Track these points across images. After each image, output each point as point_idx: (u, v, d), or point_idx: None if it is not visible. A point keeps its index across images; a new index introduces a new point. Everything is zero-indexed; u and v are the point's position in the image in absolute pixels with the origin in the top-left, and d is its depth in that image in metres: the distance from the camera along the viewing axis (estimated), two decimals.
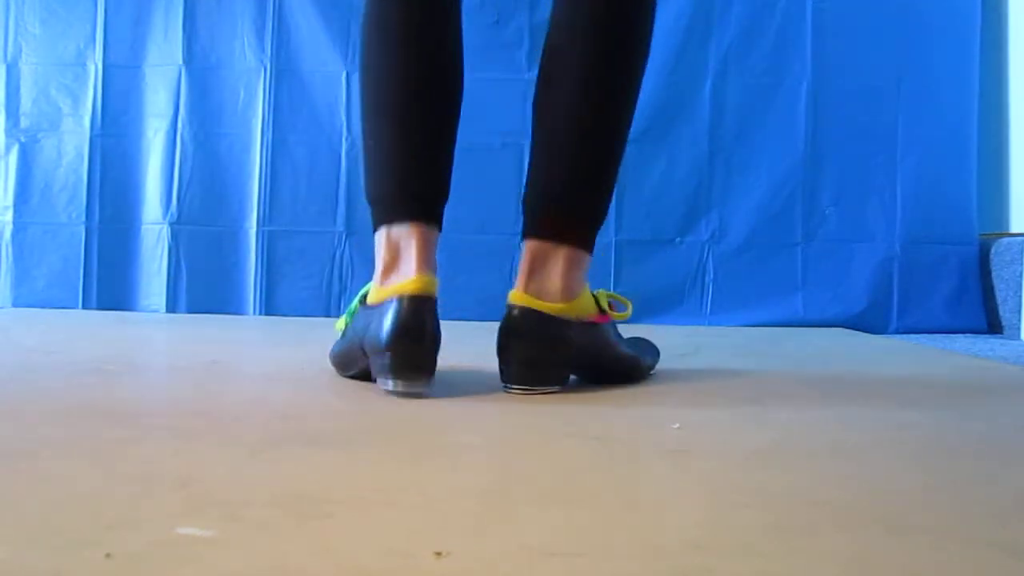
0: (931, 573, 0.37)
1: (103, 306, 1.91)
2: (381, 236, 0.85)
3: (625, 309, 0.91)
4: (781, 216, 1.87)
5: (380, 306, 0.80)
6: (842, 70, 1.87)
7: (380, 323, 0.78)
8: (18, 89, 1.95)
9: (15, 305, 1.91)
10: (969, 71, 1.87)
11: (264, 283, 1.91)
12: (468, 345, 1.29)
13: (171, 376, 1.01)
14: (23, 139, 1.94)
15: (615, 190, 0.91)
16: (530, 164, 0.90)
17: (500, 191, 1.91)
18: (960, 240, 1.86)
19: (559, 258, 0.84)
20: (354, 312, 0.89)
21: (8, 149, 1.94)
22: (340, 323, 0.94)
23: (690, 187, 1.87)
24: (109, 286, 1.92)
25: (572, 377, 0.88)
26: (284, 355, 1.18)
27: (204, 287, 1.91)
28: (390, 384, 0.78)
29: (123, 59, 1.94)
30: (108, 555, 0.36)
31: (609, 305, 0.89)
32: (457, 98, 0.91)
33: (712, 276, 1.87)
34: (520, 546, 0.38)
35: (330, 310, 1.90)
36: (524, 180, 0.90)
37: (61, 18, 1.95)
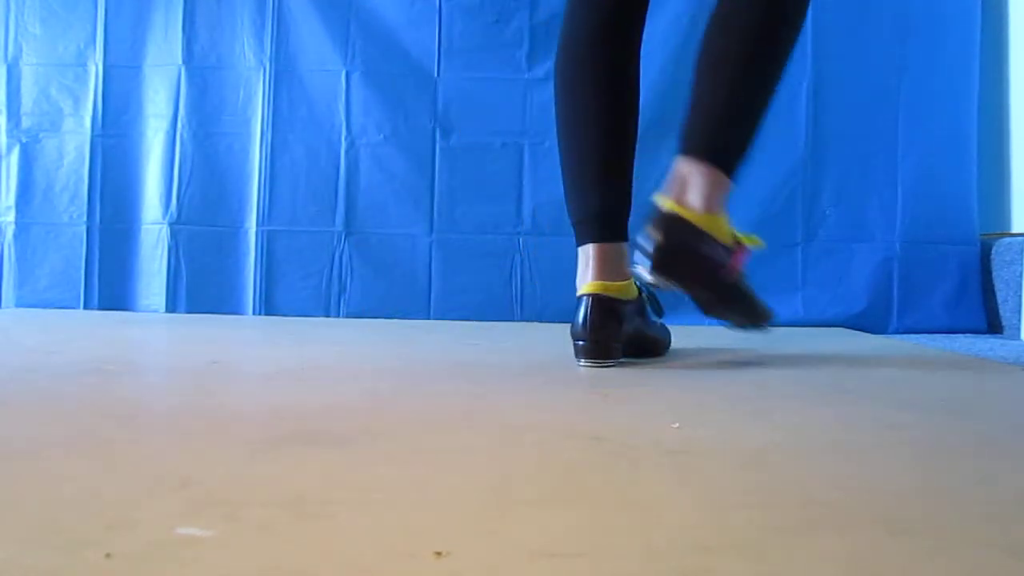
0: (931, 574, 0.37)
1: (104, 306, 1.91)
2: (580, 250, 1.07)
3: (757, 244, 1.07)
4: (781, 216, 1.87)
5: (576, 302, 1.03)
6: (842, 70, 1.87)
7: (575, 316, 1.02)
8: (19, 89, 1.95)
9: (17, 305, 1.91)
10: (969, 70, 1.87)
11: (263, 283, 1.91)
12: (469, 345, 1.29)
13: (171, 376, 1.01)
14: (24, 139, 1.94)
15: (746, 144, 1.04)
16: (692, 96, 1.03)
17: (500, 191, 1.91)
18: (961, 240, 1.86)
19: (706, 176, 0.98)
20: None
21: (9, 149, 1.94)
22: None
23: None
24: (110, 286, 1.92)
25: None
26: (284, 355, 1.18)
27: (204, 287, 1.92)
28: (581, 363, 1.02)
29: (123, 59, 1.94)
30: (108, 555, 0.36)
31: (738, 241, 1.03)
32: (636, 127, 1.10)
33: None
34: (520, 546, 0.38)
35: (329, 310, 1.90)
36: (686, 109, 1.03)
37: (61, 18, 1.95)
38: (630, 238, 1.04)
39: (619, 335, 1.02)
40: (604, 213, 1.06)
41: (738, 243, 1.02)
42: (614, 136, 1.06)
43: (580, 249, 1.06)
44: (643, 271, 0.96)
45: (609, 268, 1.03)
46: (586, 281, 1.02)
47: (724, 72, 1.01)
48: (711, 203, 0.98)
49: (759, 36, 1.00)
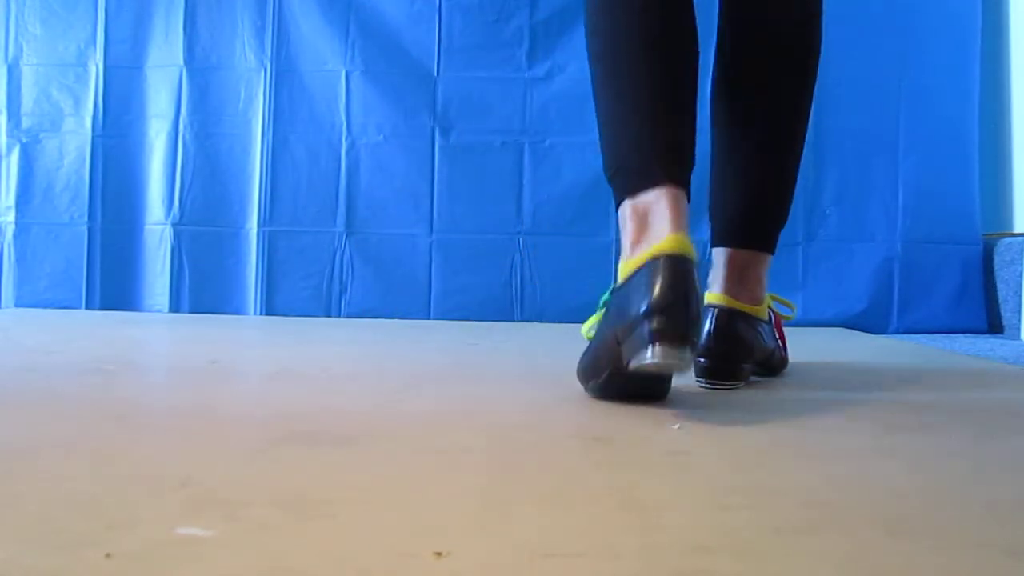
0: (931, 574, 0.37)
1: (106, 307, 1.91)
2: (626, 210, 0.77)
3: (790, 312, 1.00)
4: None
5: (633, 278, 0.71)
6: (843, 69, 1.86)
7: (638, 292, 0.69)
8: (19, 89, 1.95)
9: (17, 305, 1.91)
10: (970, 69, 1.87)
11: (265, 283, 1.91)
12: (469, 345, 1.29)
13: (171, 376, 1.01)
14: (24, 139, 1.94)
15: None
16: (723, 176, 0.94)
17: (500, 191, 1.91)
18: (963, 240, 1.86)
19: (760, 264, 0.92)
20: (603, 307, 0.79)
21: (10, 149, 1.94)
22: (587, 327, 0.84)
23: (692, 186, 1.87)
24: (112, 287, 1.93)
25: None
26: (284, 355, 1.18)
27: (206, 287, 1.92)
28: (648, 354, 0.66)
29: (124, 60, 1.94)
30: (108, 555, 0.36)
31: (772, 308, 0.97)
32: (697, 57, 0.82)
33: None
34: (520, 546, 0.38)
35: (330, 310, 1.90)
36: (711, 189, 0.95)
37: (62, 18, 1.95)
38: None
39: (701, 312, 0.73)
40: (679, 145, 0.79)
41: (773, 312, 0.97)
42: (677, 58, 0.80)
43: (634, 200, 0.76)
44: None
45: (687, 224, 0.76)
46: (665, 233, 0.72)
47: (765, 148, 0.93)
48: (764, 288, 0.92)
49: (791, 85, 0.92)
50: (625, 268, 0.74)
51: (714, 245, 0.94)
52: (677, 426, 0.68)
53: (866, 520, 0.43)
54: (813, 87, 0.95)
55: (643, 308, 0.68)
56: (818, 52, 0.94)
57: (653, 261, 0.70)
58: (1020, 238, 1.77)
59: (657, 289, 0.68)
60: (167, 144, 1.93)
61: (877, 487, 0.51)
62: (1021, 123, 1.87)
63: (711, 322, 0.87)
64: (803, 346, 1.40)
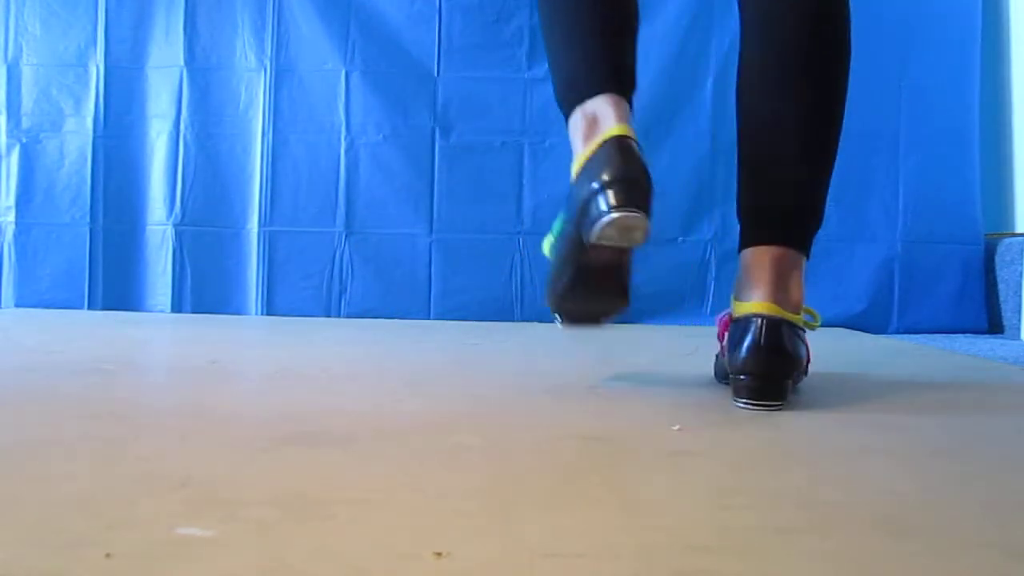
0: (931, 574, 0.37)
1: (108, 307, 1.92)
2: (576, 117, 0.82)
3: (815, 321, 0.88)
4: None
5: (586, 165, 0.77)
6: None
7: (592, 174, 0.75)
8: (19, 89, 1.95)
9: (18, 306, 1.91)
10: (970, 69, 1.87)
11: (265, 283, 1.91)
12: (469, 345, 1.29)
13: (171, 376, 1.01)
14: (25, 140, 1.94)
15: None
16: (753, 172, 0.90)
17: (500, 191, 1.91)
18: (963, 240, 1.86)
19: (800, 267, 0.84)
20: (561, 218, 0.85)
21: (10, 150, 1.94)
22: (547, 244, 0.88)
23: (692, 186, 1.87)
24: (114, 287, 1.93)
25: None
26: (284, 355, 1.18)
27: (208, 288, 1.92)
28: (608, 218, 0.72)
29: (124, 60, 1.94)
30: (108, 555, 0.36)
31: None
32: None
33: (714, 275, 1.87)
34: (520, 546, 0.38)
35: (330, 310, 1.90)
36: (739, 186, 0.89)
37: (62, 19, 1.95)
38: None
39: (651, 181, 0.78)
40: (623, 66, 0.85)
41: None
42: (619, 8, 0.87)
43: (583, 107, 0.81)
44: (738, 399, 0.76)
45: (629, 118, 0.81)
46: (611, 124, 0.78)
47: (801, 141, 0.90)
48: (802, 293, 0.84)
49: (821, 67, 0.90)
50: (578, 163, 0.80)
51: (747, 245, 0.86)
52: (677, 426, 0.68)
53: (866, 520, 0.43)
54: (846, 84, 0.93)
55: (598, 183, 0.74)
56: (843, 53, 0.92)
57: (603, 144, 0.76)
58: (1021, 238, 1.77)
59: (610, 164, 0.74)
60: (168, 144, 1.93)
61: (877, 487, 0.51)
62: (1022, 123, 1.87)
63: (755, 334, 0.77)
64: None
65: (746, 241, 0.86)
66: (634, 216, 0.73)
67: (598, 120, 0.80)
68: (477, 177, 1.91)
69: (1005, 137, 1.90)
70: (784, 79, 0.90)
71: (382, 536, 0.39)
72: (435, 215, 1.90)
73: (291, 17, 1.92)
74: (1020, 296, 1.72)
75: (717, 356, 0.88)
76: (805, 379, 0.97)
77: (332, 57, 1.91)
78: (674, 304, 1.87)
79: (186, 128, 1.93)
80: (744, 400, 0.78)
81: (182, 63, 1.93)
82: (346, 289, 1.91)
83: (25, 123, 1.95)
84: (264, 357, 1.19)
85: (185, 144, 1.93)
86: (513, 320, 1.86)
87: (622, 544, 0.39)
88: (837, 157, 0.93)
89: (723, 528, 0.42)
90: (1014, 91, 1.89)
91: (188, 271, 1.92)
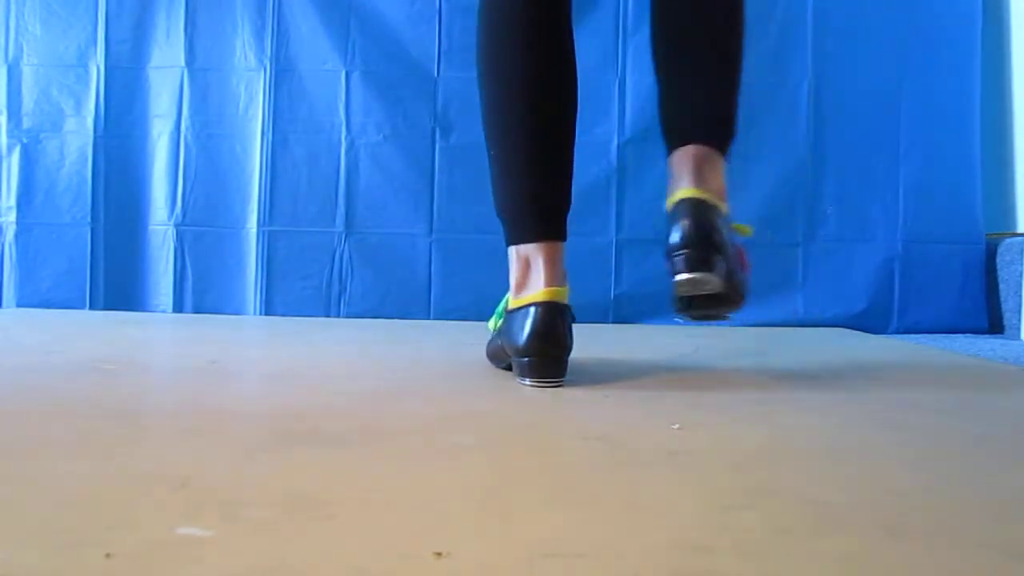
0: (931, 574, 0.37)
1: (110, 307, 1.92)
2: (512, 252, 0.93)
3: (749, 229, 0.95)
4: (781, 216, 1.87)
5: (517, 314, 0.89)
6: (843, 69, 1.87)
7: (520, 328, 0.87)
8: (20, 90, 1.95)
9: (19, 305, 1.91)
10: (971, 68, 1.87)
11: (264, 283, 1.91)
12: (469, 345, 1.29)
13: (171, 376, 1.01)
14: (25, 140, 1.94)
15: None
16: (675, 82, 0.94)
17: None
18: (965, 240, 1.86)
19: (719, 162, 0.90)
20: (501, 313, 0.98)
21: (10, 150, 1.94)
22: (492, 323, 1.04)
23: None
24: (116, 287, 1.93)
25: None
26: (284, 355, 1.18)
27: (208, 288, 1.92)
28: (526, 381, 0.87)
29: (125, 60, 1.94)
30: (108, 555, 0.36)
31: None
32: (576, 102, 0.94)
33: None
34: (520, 546, 0.38)
35: (330, 310, 1.90)
36: (660, 106, 0.94)
37: (62, 19, 1.95)
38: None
39: (568, 348, 0.89)
40: (555, 207, 0.92)
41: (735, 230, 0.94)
42: (556, 122, 0.93)
43: (517, 248, 0.92)
44: (680, 278, 0.82)
45: (561, 272, 0.90)
46: (540, 287, 0.88)
47: (705, 45, 0.94)
48: (724, 187, 0.89)
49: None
50: (513, 303, 0.92)
51: (671, 151, 0.91)
52: (677, 426, 0.68)
53: (866, 520, 0.43)
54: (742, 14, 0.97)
55: (520, 344, 0.87)
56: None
57: (528, 308, 0.88)
58: (1021, 238, 1.77)
59: (529, 332, 0.86)
60: (168, 145, 1.93)
61: (877, 487, 0.51)
62: (1022, 122, 1.87)
63: (684, 212, 0.84)
64: (803, 346, 1.40)
65: (669, 150, 0.92)
66: (548, 381, 0.87)
67: (530, 272, 0.91)
68: (477, 177, 1.90)
69: (1005, 137, 1.90)
70: (692, 8, 0.94)
71: (382, 536, 0.39)
72: (435, 215, 1.90)
73: (291, 17, 1.92)
74: (1020, 296, 1.72)
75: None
76: (805, 379, 0.97)
77: (332, 57, 1.91)
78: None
79: (186, 128, 1.93)
80: (683, 274, 0.82)
81: (182, 63, 1.93)
82: (346, 289, 1.91)
83: (26, 123, 1.95)
84: (264, 357, 1.19)
85: (185, 144, 1.93)
86: None
87: (622, 544, 0.39)
88: (743, 64, 0.98)
89: (723, 528, 0.42)
90: (1014, 91, 1.89)
91: (189, 271, 1.92)
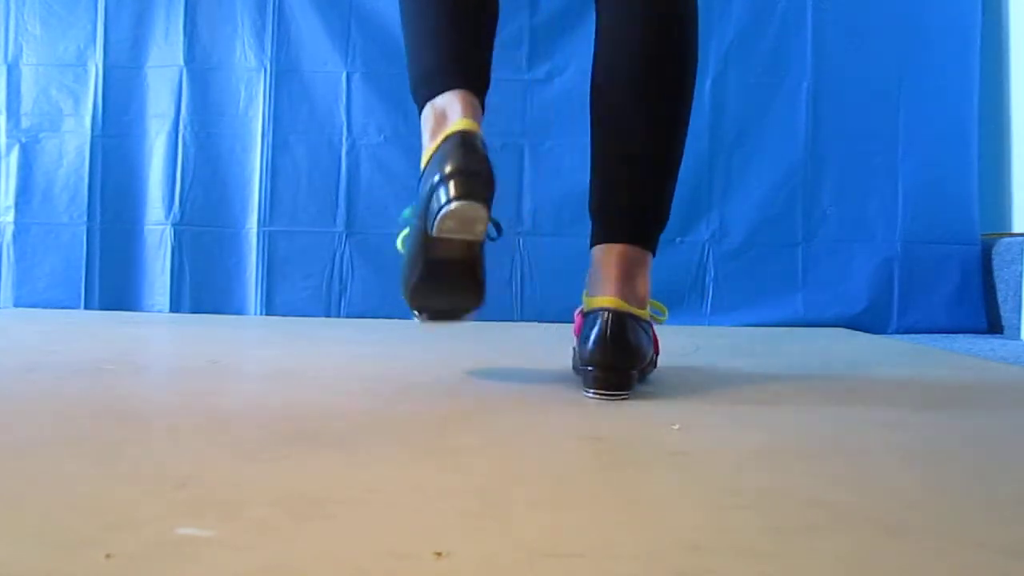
0: (931, 574, 0.37)
1: (105, 307, 1.91)
2: (427, 112, 0.85)
3: (662, 315, 0.93)
4: (781, 216, 1.87)
5: (431, 159, 0.81)
6: (843, 69, 1.87)
7: (436, 167, 0.78)
8: (19, 89, 1.95)
9: (16, 305, 1.91)
10: (970, 70, 1.87)
11: (265, 283, 1.91)
12: (469, 345, 1.29)
13: (171, 376, 1.01)
14: (24, 139, 1.94)
15: None
16: (603, 173, 0.92)
17: (500, 192, 1.90)
18: (962, 240, 1.86)
19: (645, 264, 0.87)
20: (409, 211, 0.88)
21: (9, 149, 1.94)
22: (400, 238, 0.91)
23: (690, 187, 1.87)
24: (112, 287, 1.92)
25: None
26: (284, 355, 1.18)
27: (207, 287, 1.92)
28: (448, 208, 0.76)
29: (124, 60, 1.94)
30: (108, 555, 0.36)
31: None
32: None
33: (712, 276, 1.87)
34: (520, 546, 0.38)
35: (330, 310, 1.90)
36: (591, 186, 0.92)
37: (61, 18, 1.95)
38: None
39: (492, 174, 0.81)
40: (475, 62, 0.88)
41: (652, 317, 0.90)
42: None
43: (433, 102, 0.85)
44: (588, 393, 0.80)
45: (479, 111, 0.85)
46: (457, 118, 0.82)
47: (646, 143, 0.90)
48: (649, 289, 0.87)
49: (665, 75, 0.90)
50: (425, 157, 0.83)
51: (596, 243, 0.89)
52: (677, 426, 0.68)
53: (865, 520, 0.43)
54: (689, 94, 0.93)
55: (440, 175, 0.77)
56: (689, 58, 0.91)
57: (447, 139, 0.79)
58: (1019, 238, 1.77)
59: (452, 157, 0.77)
60: (167, 144, 1.93)
61: (877, 487, 0.51)
62: (1021, 123, 1.87)
63: (601, 327, 0.81)
64: (803, 346, 1.40)
65: (596, 239, 0.90)
66: (472, 207, 0.76)
67: (446, 115, 0.83)
68: None
69: (1004, 138, 1.90)
70: (632, 80, 0.91)
71: (382, 536, 0.39)
72: None
73: (291, 17, 1.92)
74: (1019, 296, 1.72)
75: (574, 349, 0.90)
76: (805, 379, 0.97)
77: (332, 58, 1.91)
78: (673, 304, 1.87)
79: (185, 128, 1.92)
80: (592, 390, 0.80)
81: (182, 63, 1.93)
82: (346, 289, 1.91)
83: (24, 123, 1.95)
84: (264, 357, 1.19)
85: (184, 144, 1.92)
86: (513, 320, 1.86)
87: (622, 544, 0.39)
88: (684, 157, 0.95)
89: (723, 529, 0.42)
90: (1013, 92, 1.89)
91: (187, 271, 1.92)
